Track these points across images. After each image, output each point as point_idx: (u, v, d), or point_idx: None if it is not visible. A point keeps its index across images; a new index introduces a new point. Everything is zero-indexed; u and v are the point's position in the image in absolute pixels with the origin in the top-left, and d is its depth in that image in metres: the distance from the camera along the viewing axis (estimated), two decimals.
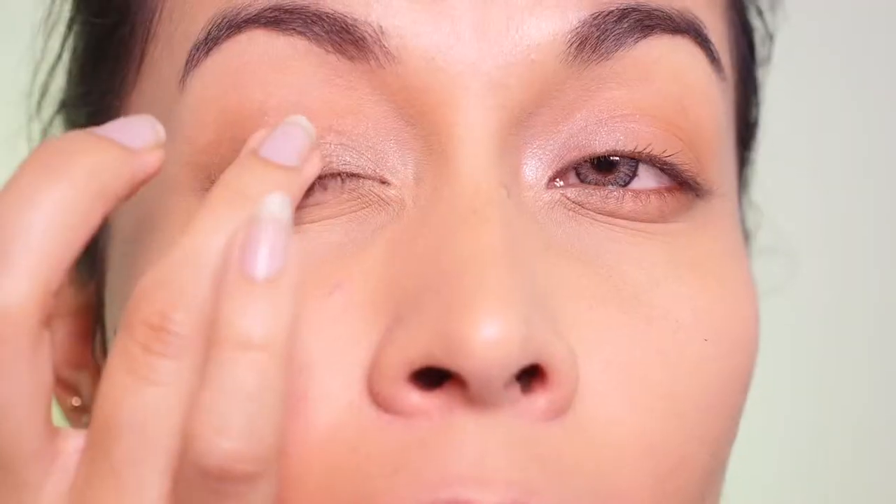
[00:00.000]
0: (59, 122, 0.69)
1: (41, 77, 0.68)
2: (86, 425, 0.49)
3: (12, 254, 0.45)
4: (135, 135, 0.49)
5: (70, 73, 0.66)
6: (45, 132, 0.70)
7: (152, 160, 0.49)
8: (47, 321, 0.46)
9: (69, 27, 0.65)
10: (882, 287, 1.02)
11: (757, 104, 0.67)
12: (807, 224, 0.91)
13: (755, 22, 0.66)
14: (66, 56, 0.66)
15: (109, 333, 0.60)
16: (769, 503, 0.99)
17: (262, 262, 0.46)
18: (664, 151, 0.54)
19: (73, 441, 0.47)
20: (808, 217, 0.95)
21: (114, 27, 0.59)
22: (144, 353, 0.46)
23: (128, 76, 0.59)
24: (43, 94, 0.69)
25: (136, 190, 0.49)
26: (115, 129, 0.49)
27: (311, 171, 0.51)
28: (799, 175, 0.93)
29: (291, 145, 0.50)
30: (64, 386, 0.66)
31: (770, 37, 0.67)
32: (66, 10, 0.65)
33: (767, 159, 0.70)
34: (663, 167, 0.54)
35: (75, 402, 0.66)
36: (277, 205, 0.47)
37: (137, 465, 0.46)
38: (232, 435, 0.45)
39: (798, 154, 0.91)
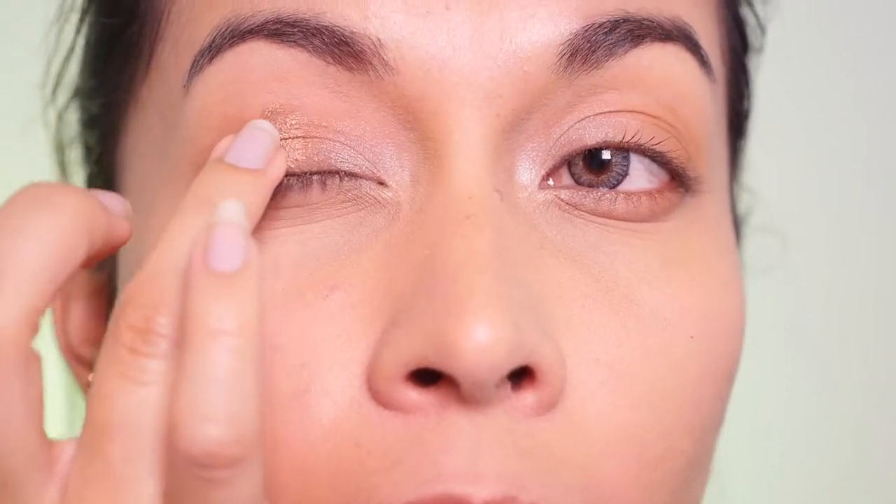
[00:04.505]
0: (73, 109, 0.70)
1: (55, 66, 0.70)
2: None
3: (4, 279, 0.48)
4: (108, 201, 0.52)
5: (83, 64, 0.67)
6: (60, 118, 0.72)
7: (125, 226, 0.53)
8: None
9: (81, 20, 0.66)
10: (875, 267, 1.02)
11: (749, 95, 0.68)
12: (800, 205, 0.92)
13: (747, 14, 0.67)
14: (80, 45, 0.67)
15: None
16: (763, 483, 1.00)
17: (226, 257, 0.47)
18: (652, 139, 0.56)
19: (68, 450, 0.49)
20: (801, 198, 0.96)
21: (123, 27, 0.61)
22: (132, 355, 0.48)
23: (137, 73, 0.60)
24: (57, 82, 0.70)
25: (110, 249, 0.52)
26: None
27: (277, 171, 0.53)
28: (792, 156, 0.93)
29: (255, 149, 0.53)
30: (82, 363, 0.68)
31: (762, 28, 0.68)
32: (78, 2, 0.66)
33: (761, 143, 0.71)
34: (654, 156, 0.56)
35: (91, 378, 0.68)
36: (232, 210, 0.49)
37: (132, 463, 0.48)
38: (215, 420, 0.46)
39: (792, 137, 0.92)
